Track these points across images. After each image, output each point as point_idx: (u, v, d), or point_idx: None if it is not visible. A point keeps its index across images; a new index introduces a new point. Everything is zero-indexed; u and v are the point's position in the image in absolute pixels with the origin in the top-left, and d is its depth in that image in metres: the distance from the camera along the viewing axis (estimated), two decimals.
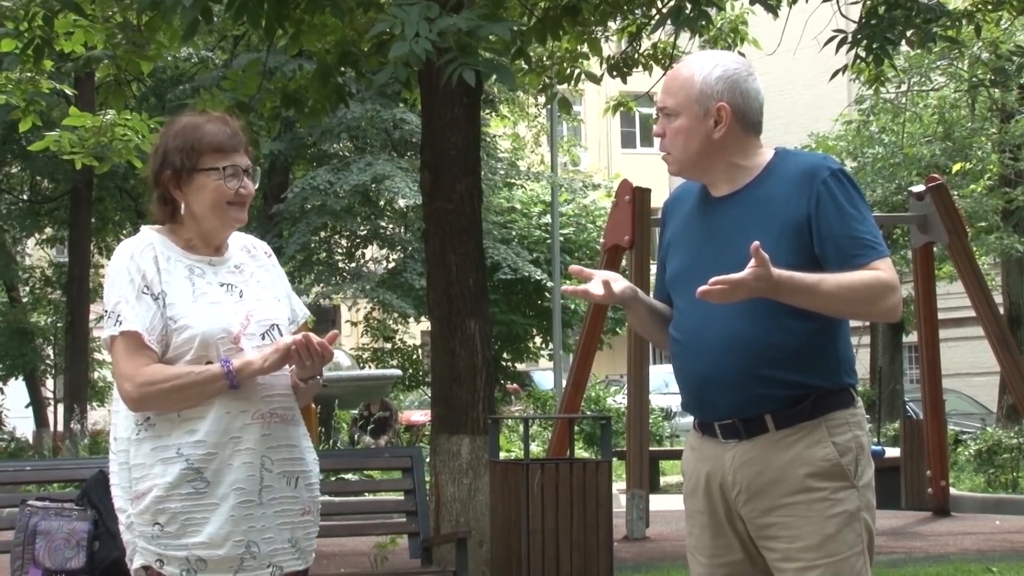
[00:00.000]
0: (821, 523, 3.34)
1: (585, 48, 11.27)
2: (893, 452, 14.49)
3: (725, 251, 3.40)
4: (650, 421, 15.06)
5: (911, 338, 21.30)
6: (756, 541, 3.44)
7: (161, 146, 3.55)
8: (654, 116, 3.53)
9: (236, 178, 3.50)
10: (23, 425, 25.47)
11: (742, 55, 12.30)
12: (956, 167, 20.88)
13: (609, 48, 12.09)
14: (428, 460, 9.13)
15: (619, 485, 12.75)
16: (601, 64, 11.52)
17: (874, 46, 9.48)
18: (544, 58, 11.84)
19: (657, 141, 3.58)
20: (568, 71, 11.59)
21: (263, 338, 3.47)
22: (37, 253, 28.83)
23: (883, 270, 3.34)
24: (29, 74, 9.75)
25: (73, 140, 9.79)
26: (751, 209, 3.41)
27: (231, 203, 3.50)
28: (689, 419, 3.65)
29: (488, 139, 24.21)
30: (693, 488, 3.53)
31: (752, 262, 3.20)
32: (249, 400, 3.43)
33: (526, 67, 11.16)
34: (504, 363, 26.42)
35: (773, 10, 9.37)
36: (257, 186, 3.59)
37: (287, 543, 3.49)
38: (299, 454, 3.52)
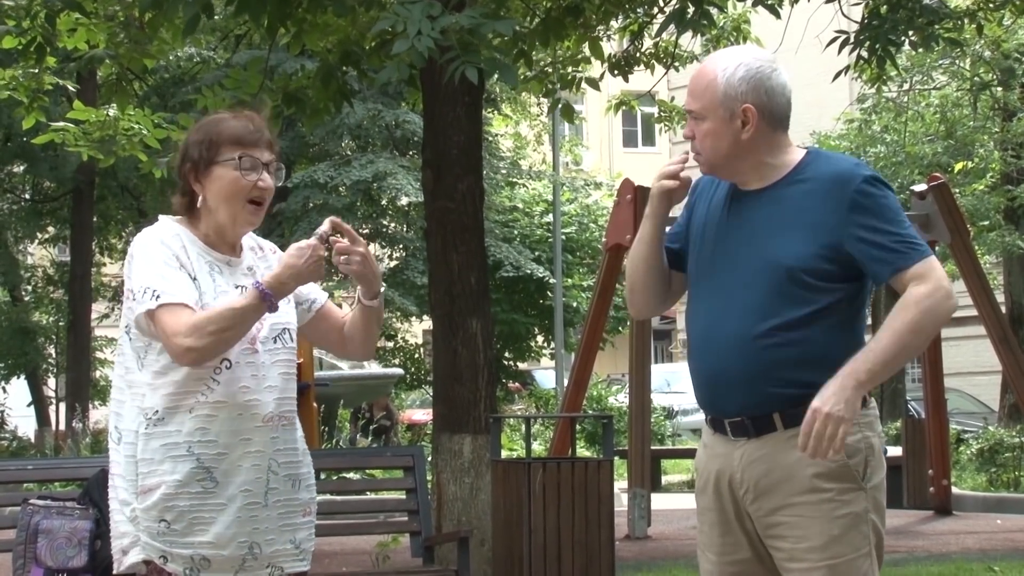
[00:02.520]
0: (827, 524, 3.33)
1: (587, 50, 11.25)
2: (895, 451, 14.48)
3: (743, 249, 3.41)
4: (652, 420, 15.07)
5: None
6: (764, 540, 3.43)
7: (184, 142, 3.57)
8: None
9: (254, 171, 3.47)
10: (25, 424, 25.49)
11: None
12: (958, 166, 20.89)
13: (611, 47, 12.08)
14: (430, 459, 9.13)
15: (621, 484, 12.75)
16: (602, 64, 11.51)
17: (876, 47, 9.47)
18: (546, 64, 11.82)
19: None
20: (571, 76, 11.56)
21: (275, 342, 3.49)
22: (39, 252, 28.84)
23: (925, 278, 3.29)
24: (33, 71, 9.74)
25: (77, 134, 9.79)
26: (779, 208, 3.40)
27: (250, 201, 3.47)
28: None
29: (490, 138, 24.21)
30: (703, 485, 3.53)
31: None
32: (260, 402, 3.43)
33: (530, 73, 11.15)
34: (506, 362, 26.43)
35: (775, 11, 9.37)
36: (280, 183, 3.57)
37: (289, 544, 3.50)
38: (298, 456, 3.54)
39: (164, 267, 3.41)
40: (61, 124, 9.92)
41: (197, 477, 3.38)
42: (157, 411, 3.41)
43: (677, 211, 3.69)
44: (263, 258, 3.63)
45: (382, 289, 3.57)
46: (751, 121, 3.40)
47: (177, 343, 3.32)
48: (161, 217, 3.57)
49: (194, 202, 3.52)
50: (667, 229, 3.64)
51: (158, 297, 3.37)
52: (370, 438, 20.87)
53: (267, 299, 3.35)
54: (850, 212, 3.33)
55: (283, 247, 3.65)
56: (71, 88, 11.62)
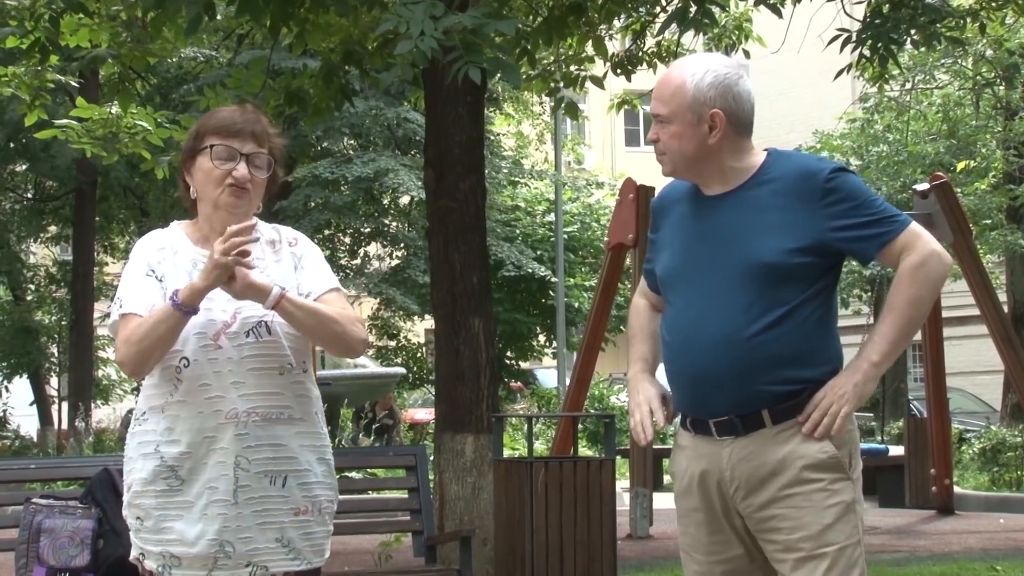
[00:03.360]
0: (819, 513, 3.38)
1: (590, 48, 11.24)
2: (897, 451, 14.49)
3: (720, 252, 3.46)
4: None
5: (915, 336, 21.31)
6: (756, 536, 3.46)
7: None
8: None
9: (230, 160, 3.47)
10: (27, 423, 25.51)
11: (746, 52, 12.34)
12: (961, 165, 20.86)
13: (613, 46, 12.07)
14: (432, 458, 9.14)
15: (623, 483, 12.76)
16: (605, 62, 11.51)
17: (878, 46, 9.47)
18: (550, 63, 11.82)
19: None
20: (574, 75, 11.56)
21: (247, 336, 3.45)
22: (41, 251, 28.85)
23: (912, 246, 3.40)
24: (36, 68, 9.74)
25: (80, 131, 9.78)
26: (747, 210, 3.45)
27: (230, 186, 3.47)
28: None
29: (492, 137, 24.20)
30: (687, 487, 3.55)
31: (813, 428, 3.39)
32: (224, 399, 3.42)
33: (533, 72, 11.13)
34: (508, 361, 26.43)
35: (776, 10, 9.36)
36: (265, 177, 3.53)
37: (274, 543, 3.47)
38: (288, 453, 3.48)
39: (134, 275, 3.49)
40: (64, 121, 9.91)
41: (162, 475, 3.41)
42: (143, 411, 3.48)
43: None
44: (277, 251, 3.60)
45: (273, 291, 3.39)
46: (719, 126, 3.45)
47: (117, 358, 3.45)
48: (172, 223, 3.63)
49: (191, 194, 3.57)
50: (646, 263, 3.74)
51: (121, 307, 3.46)
52: (372, 437, 20.89)
53: (174, 303, 3.35)
54: (822, 205, 3.40)
55: None
56: (74, 84, 11.60)
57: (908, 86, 21.27)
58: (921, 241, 3.41)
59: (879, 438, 17.75)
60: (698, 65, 3.49)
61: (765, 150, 3.55)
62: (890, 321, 3.41)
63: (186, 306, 3.34)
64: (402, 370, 24.75)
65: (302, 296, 3.52)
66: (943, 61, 20.39)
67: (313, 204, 22.40)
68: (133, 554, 3.50)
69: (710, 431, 3.47)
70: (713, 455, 3.46)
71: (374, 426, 21.07)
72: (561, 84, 11.60)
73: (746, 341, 3.37)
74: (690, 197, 3.58)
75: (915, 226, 3.44)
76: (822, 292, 3.44)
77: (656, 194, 3.77)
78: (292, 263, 3.59)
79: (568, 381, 16.09)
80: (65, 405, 24.03)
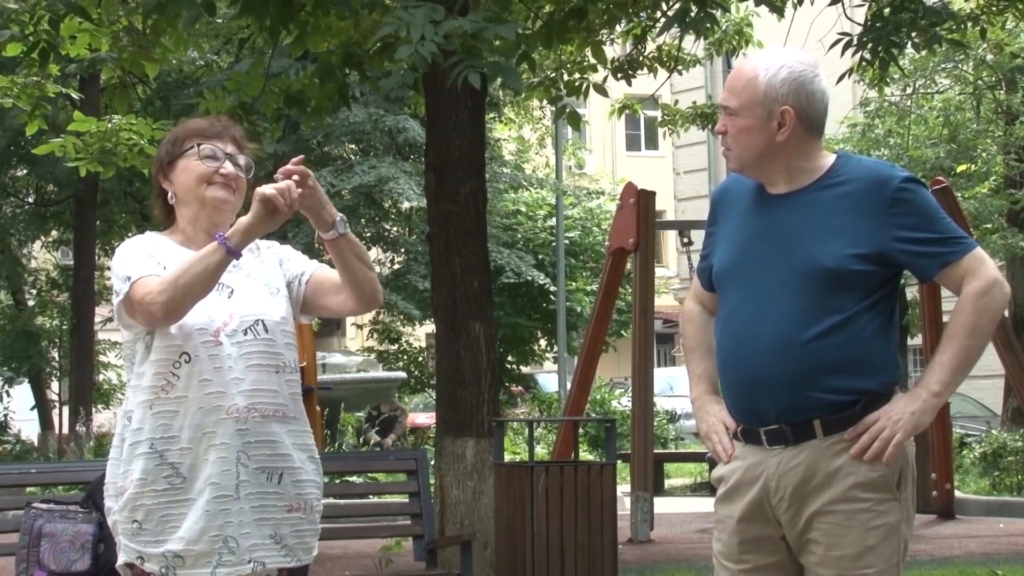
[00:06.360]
0: (862, 534, 3.32)
1: (590, 55, 11.22)
2: None
3: (780, 252, 3.39)
4: (655, 424, 15.06)
5: (916, 340, 21.28)
6: (794, 547, 3.41)
7: (157, 152, 3.68)
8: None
9: (214, 159, 3.54)
10: (28, 427, 25.45)
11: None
12: (960, 168, 20.85)
13: (614, 51, 12.06)
14: (433, 462, 9.13)
15: (623, 488, 12.75)
16: (605, 67, 11.50)
17: (879, 49, 9.46)
18: (551, 70, 11.79)
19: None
20: (577, 83, 11.54)
21: (246, 334, 3.48)
22: (43, 256, 28.84)
23: (976, 272, 3.34)
24: (36, 78, 9.72)
25: (78, 145, 9.75)
26: (811, 212, 3.39)
27: (212, 183, 3.53)
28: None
29: (492, 143, 24.19)
30: (727, 494, 3.49)
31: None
32: (224, 395, 3.43)
33: (535, 80, 11.11)
34: (509, 366, 26.42)
35: (779, 11, 9.35)
36: (250, 176, 3.61)
37: (268, 539, 3.47)
38: (283, 450, 3.50)
39: (135, 257, 3.48)
40: (60, 140, 9.83)
41: (163, 474, 3.40)
42: (131, 413, 3.46)
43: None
44: (258, 255, 3.64)
45: (339, 217, 3.50)
46: (788, 123, 3.39)
47: (148, 301, 3.37)
48: (147, 232, 3.65)
49: (168, 203, 3.61)
50: (699, 257, 3.70)
51: (129, 278, 3.44)
52: (376, 428, 20.86)
53: (222, 241, 3.37)
54: (890, 214, 3.34)
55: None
56: (74, 96, 11.57)
57: (909, 90, 21.26)
58: (985, 267, 3.35)
59: None
60: (773, 59, 3.42)
61: (835, 152, 3.49)
62: (951, 350, 3.35)
63: (233, 244, 3.36)
64: (402, 374, 24.76)
65: (297, 279, 3.62)
66: (944, 65, 20.39)
67: None
68: (126, 559, 3.46)
69: (760, 440, 3.41)
70: (760, 463, 3.40)
71: (375, 428, 21.07)
72: (564, 92, 11.58)
73: (802, 346, 3.31)
74: (753, 192, 3.51)
75: (979, 251, 3.38)
76: (881, 302, 3.38)
77: (718, 185, 3.68)
78: (275, 261, 3.66)
79: (569, 385, 16.08)
80: (66, 409, 23.98)
